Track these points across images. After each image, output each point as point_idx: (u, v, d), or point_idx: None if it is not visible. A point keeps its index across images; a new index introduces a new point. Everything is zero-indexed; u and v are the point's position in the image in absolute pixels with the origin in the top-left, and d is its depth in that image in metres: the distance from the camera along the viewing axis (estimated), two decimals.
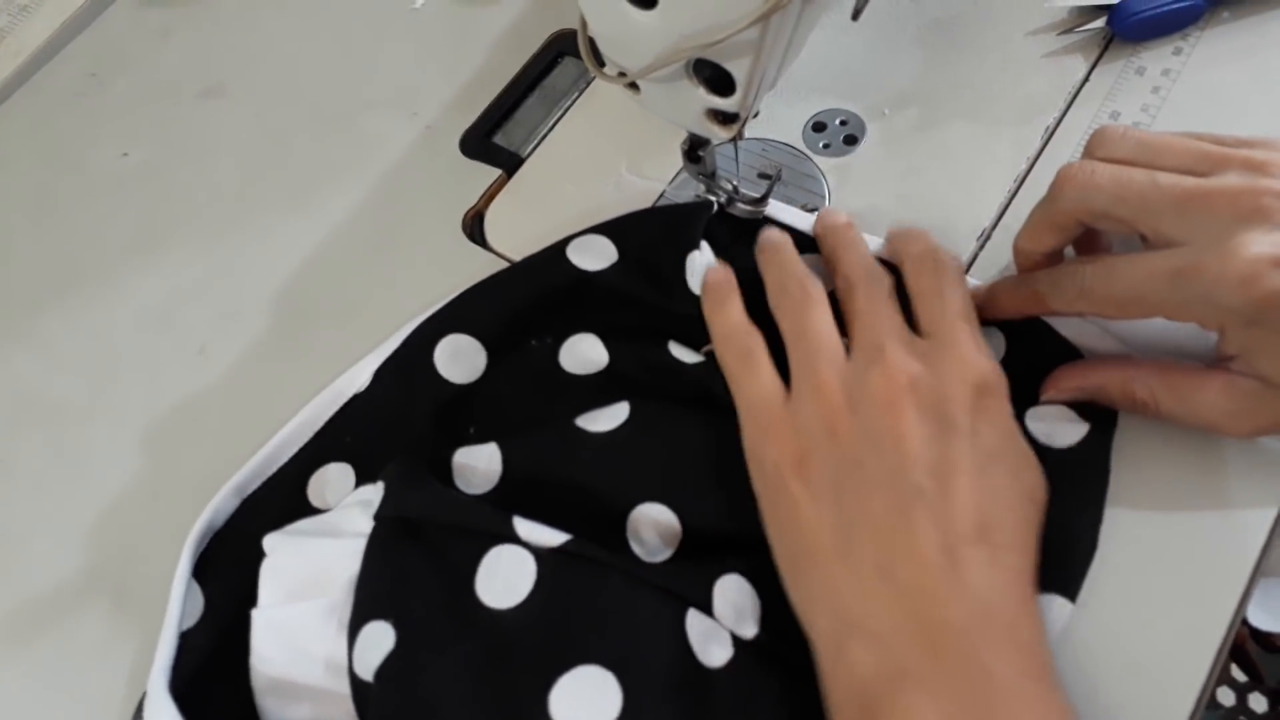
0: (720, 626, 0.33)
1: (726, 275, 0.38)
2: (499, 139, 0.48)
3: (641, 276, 0.40)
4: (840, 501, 0.31)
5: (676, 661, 0.32)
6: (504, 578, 0.33)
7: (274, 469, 0.39)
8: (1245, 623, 0.61)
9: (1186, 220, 0.31)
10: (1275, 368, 0.31)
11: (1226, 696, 0.64)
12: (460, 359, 0.40)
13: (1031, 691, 0.28)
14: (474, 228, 0.45)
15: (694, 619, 0.33)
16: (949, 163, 0.43)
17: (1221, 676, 0.64)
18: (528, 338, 0.41)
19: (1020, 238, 0.36)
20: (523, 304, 0.41)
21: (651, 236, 0.41)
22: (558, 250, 0.41)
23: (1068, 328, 0.37)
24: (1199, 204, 0.30)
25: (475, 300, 0.41)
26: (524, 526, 0.34)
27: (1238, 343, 0.31)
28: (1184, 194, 0.31)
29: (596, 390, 0.39)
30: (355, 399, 0.40)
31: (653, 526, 0.35)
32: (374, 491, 0.36)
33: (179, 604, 0.36)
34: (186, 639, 0.36)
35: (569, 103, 0.48)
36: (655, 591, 0.33)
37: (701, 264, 0.39)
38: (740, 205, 0.42)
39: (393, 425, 0.39)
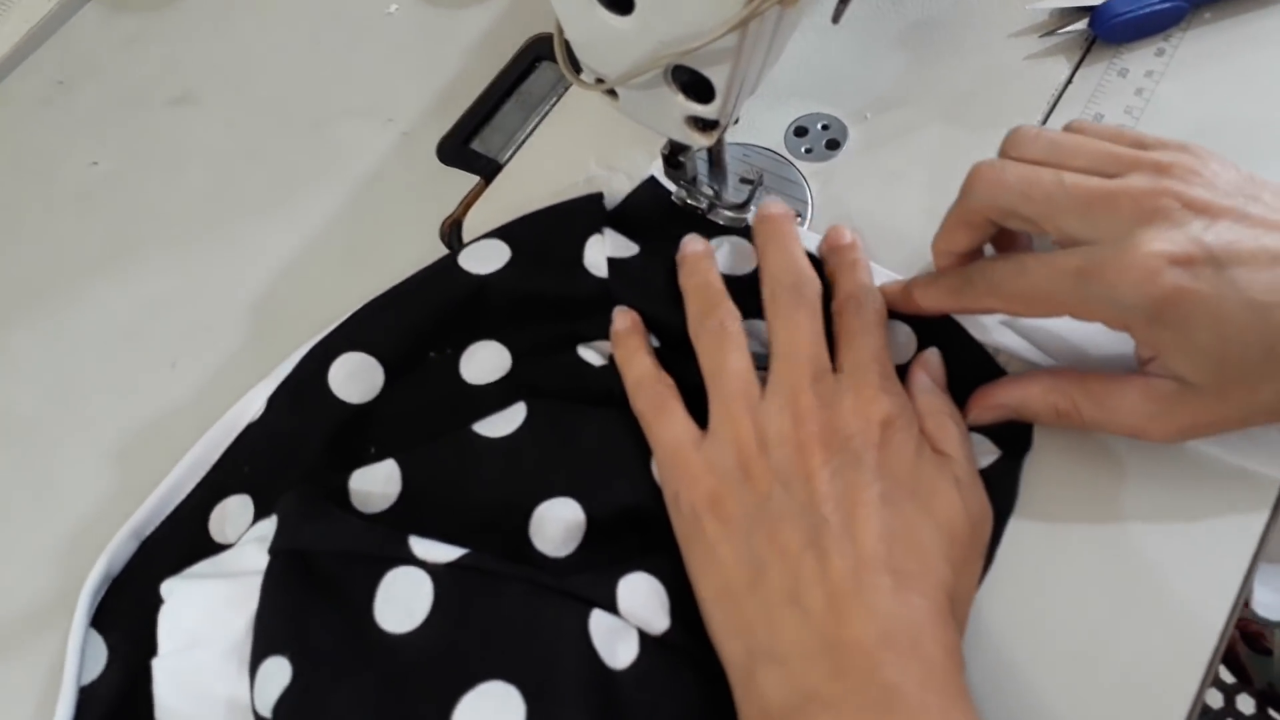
0: (627, 625, 0.33)
1: (634, 322, 0.38)
2: (476, 145, 0.47)
3: (538, 269, 0.40)
4: (751, 538, 0.32)
5: (581, 666, 0.32)
6: (402, 601, 0.33)
7: (171, 507, 0.38)
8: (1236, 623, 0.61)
9: (1090, 220, 0.31)
10: (1184, 366, 0.31)
11: (1214, 698, 0.64)
12: (356, 379, 0.39)
13: (935, 705, 0.28)
14: (452, 236, 0.44)
15: (598, 620, 0.33)
16: (932, 166, 0.42)
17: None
18: (426, 351, 0.40)
19: (936, 238, 0.37)
20: (418, 317, 0.40)
21: (544, 230, 0.41)
22: (450, 260, 0.41)
23: (977, 328, 0.37)
24: (1102, 204, 0.31)
25: (369, 318, 0.40)
26: (420, 546, 0.34)
27: (1146, 342, 0.32)
28: (1088, 194, 0.31)
29: (500, 398, 0.38)
30: (250, 428, 0.39)
31: (557, 522, 0.35)
32: (270, 526, 0.35)
33: (76, 657, 0.35)
34: (88, 693, 0.35)
35: (547, 108, 0.47)
36: (558, 597, 0.33)
37: (602, 248, 0.40)
38: (722, 211, 0.41)
39: (290, 452, 0.38)
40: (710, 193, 0.41)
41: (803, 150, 0.44)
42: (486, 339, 0.40)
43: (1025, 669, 0.33)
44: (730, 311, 0.37)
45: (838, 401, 0.34)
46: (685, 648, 0.33)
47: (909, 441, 0.33)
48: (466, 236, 0.44)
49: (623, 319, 0.39)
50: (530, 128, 0.47)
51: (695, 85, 0.33)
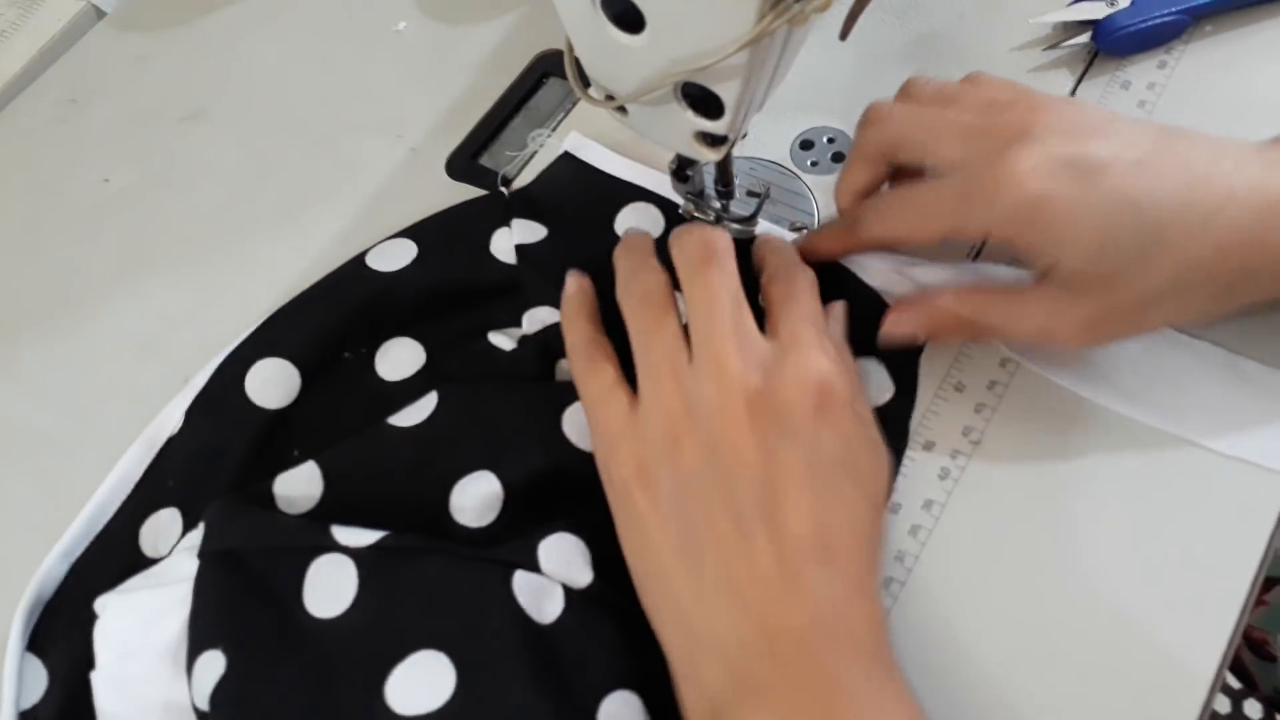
0: (551, 581, 0.33)
1: (583, 286, 0.39)
2: (485, 160, 0.47)
3: (444, 262, 0.41)
4: (683, 515, 0.32)
5: (508, 626, 0.32)
6: (329, 586, 0.33)
7: (100, 527, 0.39)
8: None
9: (967, 146, 0.34)
10: (1066, 261, 0.33)
11: (1222, 704, 0.64)
12: (273, 384, 0.40)
13: (872, 692, 0.29)
14: None
15: (521, 580, 0.33)
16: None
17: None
18: (341, 352, 0.41)
19: (838, 180, 0.39)
20: (330, 319, 0.41)
21: (450, 225, 0.42)
22: (358, 261, 0.42)
23: (871, 275, 0.39)
24: (978, 133, 0.34)
25: (282, 323, 0.41)
26: (342, 533, 0.34)
27: (1027, 250, 0.33)
28: (966, 126, 0.34)
29: (417, 393, 0.39)
30: (171, 441, 0.40)
31: (474, 495, 0.36)
32: (198, 535, 0.36)
33: (13, 683, 0.35)
34: (30, 717, 0.35)
35: (555, 123, 0.48)
36: (480, 564, 0.33)
37: (508, 238, 0.41)
38: (730, 224, 0.42)
39: (214, 462, 0.39)
40: (718, 206, 0.42)
41: (809, 163, 0.44)
42: (399, 336, 0.41)
43: (1032, 678, 0.33)
44: (657, 272, 0.36)
45: (771, 367, 0.33)
46: (610, 600, 0.33)
47: (846, 410, 0.33)
48: None
49: (573, 282, 0.39)
50: (539, 143, 0.47)
51: (704, 101, 0.34)
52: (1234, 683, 0.64)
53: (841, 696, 0.29)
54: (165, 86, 0.53)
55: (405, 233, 0.43)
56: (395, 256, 0.42)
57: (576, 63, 0.36)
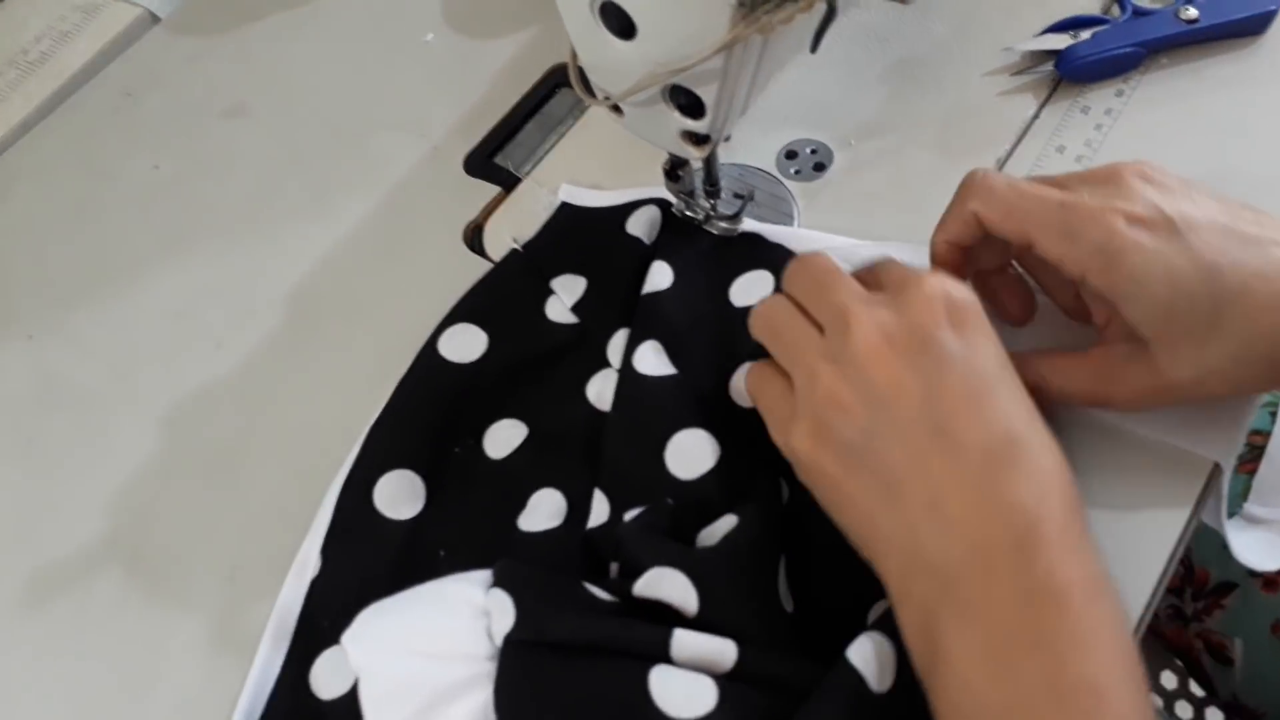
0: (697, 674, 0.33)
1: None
2: (500, 160, 0.52)
3: (513, 339, 0.44)
4: (869, 461, 0.33)
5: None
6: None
7: (270, 685, 0.38)
8: (1200, 632, 0.64)
9: (1074, 188, 0.35)
10: (1135, 313, 0.34)
11: (1185, 710, 0.66)
12: (401, 496, 0.41)
13: (1079, 597, 0.29)
14: (473, 239, 0.49)
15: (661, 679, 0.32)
16: (910, 189, 0.47)
17: (1179, 691, 0.67)
18: (451, 449, 0.43)
19: (935, 232, 0.39)
20: (435, 420, 0.43)
21: (499, 299, 0.46)
22: (430, 352, 0.44)
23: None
24: (1084, 178, 0.35)
25: (387, 435, 0.42)
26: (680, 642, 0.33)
27: (1102, 288, 0.34)
28: (1070, 176, 0.36)
29: (530, 464, 0.41)
30: (314, 584, 0.40)
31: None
32: (470, 590, 0.34)
33: None
34: None
35: (565, 129, 0.52)
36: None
37: (560, 304, 0.45)
38: (717, 222, 0.46)
39: (363, 590, 0.37)
40: (707, 205, 0.46)
41: (792, 171, 0.49)
42: (499, 419, 0.43)
43: None
44: (778, 296, 0.38)
45: (895, 301, 0.34)
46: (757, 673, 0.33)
47: (979, 316, 0.34)
48: (487, 240, 0.49)
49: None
50: (550, 145, 0.52)
51: (689, 104, 0.38)
52: (1197, 690, 0.66)
53: (1055, 606, 0.29)
54: (212, 84, 0.58)
55: (464, 315, 0.45)
56: (467, 345, 0.44)
57: (580, 71, 0.40)
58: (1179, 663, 0.66)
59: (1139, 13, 0.48)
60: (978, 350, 0.33)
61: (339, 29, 0.59)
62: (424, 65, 0.57)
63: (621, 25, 0.36)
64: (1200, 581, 0.64)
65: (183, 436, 0.46)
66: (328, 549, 0.40)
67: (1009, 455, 0.31)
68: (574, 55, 0.40)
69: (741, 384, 0.40)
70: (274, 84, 0.58)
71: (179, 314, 0.49)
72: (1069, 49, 0.47)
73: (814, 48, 0.38)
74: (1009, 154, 0.47)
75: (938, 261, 0.39)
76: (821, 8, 0.35)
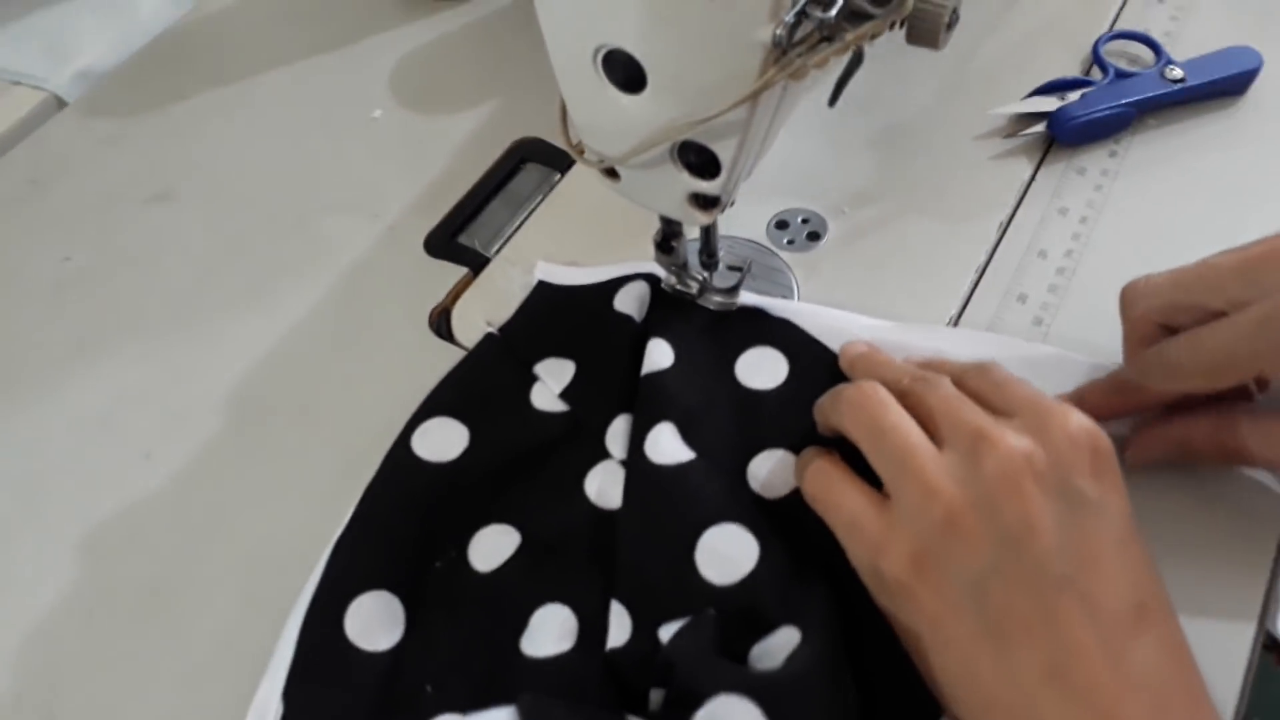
0: None
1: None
2: (464, 239, 0.47)
3: (496, 433, 0.39)
4: (980, 605, 0.29)
5: None
6: None
7: None
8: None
9: (1252, 279, 0.31)
10: None
11: None
12: (376, 623, 0.35)
13: None
14: (440, 324, 0.44)
15: None
16: (911, 255, 0.44)
17: None
18: (431, 563, 0.37)
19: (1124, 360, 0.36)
20: (410, 532, 0.37)
21: (479, 390, 0.40)
22: (403, 450, 0.39)
23: (832, 339, 0.39)
24: (1259, 262, 0.31)
25: (357, 551, 0.37)
26: None
27: None
28: (1242, 260, 0.32)
29: (526, 576, 0.36)
30: None
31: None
32: None
33: None
34: None
35: (533, 206, 0.48)
36: None
37: (546, 391, 0.40)
38: (712, 296, 0.42)
39: None
40: (701, 278, 0.42)
41: (785, 241, 0.45)
42: (484, 526, 0.38)
43: None
44: (875, 383, 0.34)
45: (1037, 433, 0.30)
46: None
47: (1116, 464, 0.31)
48: (455, 324, 0.44)
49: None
50: (518, 223, 0.48)
51: (701, 163, 0.34)
52: None
53: None
54: (131, 169, 0.52)
55: (440, 408, 0.39)
56: (444, 442, 0.39)
57: (567, 131, 0.36)
58: None
59: (1121, 74, 0.47)
60: (1112, 504, 0.30)
61: (274, 108, 0.55)
62: (372, 143, 0.52)
63: (628, 76, 0.32)
64: None
65: (104, 569, 0.39)
66: (291, 692, 0.34)
67: (1141, 623, 0.28)
68: (564, 112, 0.36)
69: (772, 476, 0.35)
70: (203, 167, 0.52)
71: (97, 424, 0.43)
72: (1061, 110, 0.46)
73: (833, 100, 0.35)
74: (1010, 218, 0.45)
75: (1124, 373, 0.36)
76: (844, 56, 0.32)
